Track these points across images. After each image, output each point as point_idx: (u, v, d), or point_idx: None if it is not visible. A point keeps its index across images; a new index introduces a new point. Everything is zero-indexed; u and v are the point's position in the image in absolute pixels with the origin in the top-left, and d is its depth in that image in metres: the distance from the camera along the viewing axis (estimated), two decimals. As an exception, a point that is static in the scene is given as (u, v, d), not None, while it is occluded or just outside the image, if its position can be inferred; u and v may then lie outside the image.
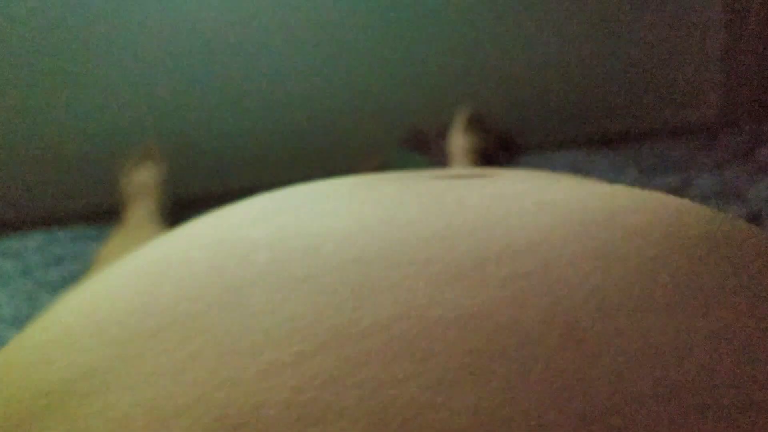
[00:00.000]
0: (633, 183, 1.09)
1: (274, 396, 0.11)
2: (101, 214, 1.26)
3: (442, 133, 1.13)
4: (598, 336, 0.12)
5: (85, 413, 0.12)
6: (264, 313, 0.13)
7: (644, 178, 1.10)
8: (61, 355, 0.14)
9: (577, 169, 1.16)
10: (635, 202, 0.17)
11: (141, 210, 0.96)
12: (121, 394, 0.12)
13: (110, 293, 0.16)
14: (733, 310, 0.13)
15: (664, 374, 0.11)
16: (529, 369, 0.11)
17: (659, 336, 0.12)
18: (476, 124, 1.02)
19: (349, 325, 0.13)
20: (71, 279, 0.94)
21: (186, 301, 0.15)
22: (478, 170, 0.23)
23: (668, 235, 0.15)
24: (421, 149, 1.14)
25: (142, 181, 1.03)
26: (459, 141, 1.03)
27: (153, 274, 0.16)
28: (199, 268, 0.16)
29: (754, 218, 0.93)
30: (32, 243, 1.06)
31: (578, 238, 0.15)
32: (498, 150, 1.00)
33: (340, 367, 0.12)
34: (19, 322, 0.82)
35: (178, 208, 1.26)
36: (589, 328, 0.12)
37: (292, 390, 0.11)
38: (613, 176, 1.11)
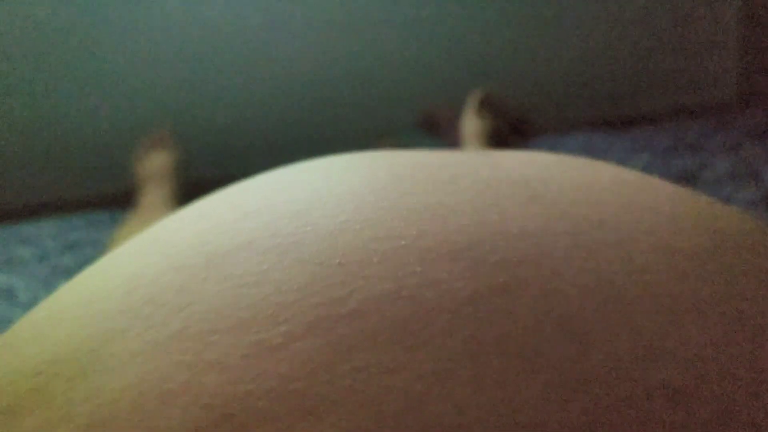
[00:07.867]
0: (648, 165, 1.08)
1: (263, 384, 0.11)
2: (116, 200, 1.27)
3: (456, 116, 1.12)
4: (591, 332, 0.11)
5: (70, 398, 0.12)
6: (249, 285, 0.13)
7: (659, 160, 1.09)
8: (51, 332, 0.14)
9: (591, 152, 1.15)
10: (633, 198, 0.17)
11: (155, 195, 0.97)
12: (107, 376, 0.12)
13: (103, 270, 0.16)
14: (731, 314, 0.12)
15: (658, 375, 0.11)
16: (524, 362, 0.11)
17: (653, 336, 0.11)
18: (490, 106, 1.01)
19: (338, 302, 0.12)
20: (86, 264, 0.95)
21: (171, 272, 0.14)
22: (486, 152, 0.23)
23: (664, 236, 0.15)
24: (434, 132, 1.13)
25: (156, 166, 1.03)
26: (472, 123, 1.02)
27: (143, 247, 0.16)
28: (185, 237, 0.15)
29: (771, 200, 0.92)
30: (48, 229, 1.07)
31: (571, 234, 0.14)
32: (511, 132, 0.99)
33: (329, 352, 0.11)
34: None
35: (191, 193, 1.26)
36: (582, 324, 0.12)
37: (281, 378, 0.11)
38: (627, 158, 1.10)
